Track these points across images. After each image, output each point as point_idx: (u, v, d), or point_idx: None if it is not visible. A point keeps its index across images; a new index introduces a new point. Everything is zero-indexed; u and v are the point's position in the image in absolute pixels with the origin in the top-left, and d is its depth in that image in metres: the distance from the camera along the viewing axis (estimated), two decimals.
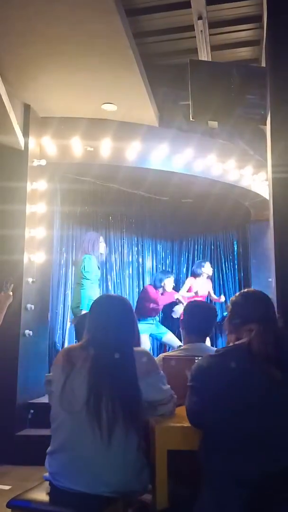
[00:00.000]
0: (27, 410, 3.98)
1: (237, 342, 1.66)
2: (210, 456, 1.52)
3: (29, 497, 1.75)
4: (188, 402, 1.64)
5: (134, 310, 5.50)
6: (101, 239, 5.01)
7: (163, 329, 5.48)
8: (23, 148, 4.16)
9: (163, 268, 6.40)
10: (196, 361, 1.99)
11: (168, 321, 5.69)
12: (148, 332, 5.39)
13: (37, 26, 3.24)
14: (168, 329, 5.49)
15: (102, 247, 4.96)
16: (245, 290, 1.88)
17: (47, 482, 1.78)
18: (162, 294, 5.43)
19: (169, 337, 5.42)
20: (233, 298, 1.82)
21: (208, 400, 1.56)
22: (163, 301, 5.43)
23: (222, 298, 5.91)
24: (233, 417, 1.49)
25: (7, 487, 3.11)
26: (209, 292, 5.84)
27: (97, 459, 1.66)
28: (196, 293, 5.66)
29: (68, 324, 5.46)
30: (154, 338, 5.59)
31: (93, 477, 1.66)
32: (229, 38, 4.14)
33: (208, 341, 4.95)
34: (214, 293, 6.01)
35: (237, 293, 1.84)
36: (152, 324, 5.41)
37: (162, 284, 5.37)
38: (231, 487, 1.44)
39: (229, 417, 1.50)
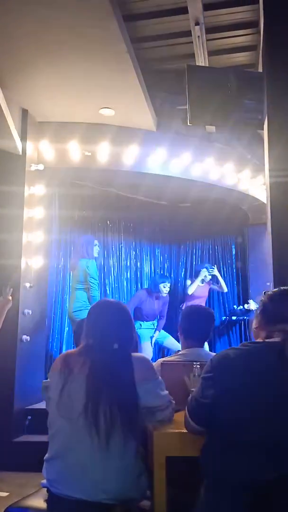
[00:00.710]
0: (24, 416, 3.95)
1: (268, 340, 1.58)
2: (214, 460, 1.48)
3: (27, 504, 1.74)
4: (199, 396, 1.56)
5: (133, 315, 5.48)
6: (96, 242, 4.97)
7: (164, 333, 5.47)
8: (20, 153, 4.16)
9: (161, 272, 6.39)
10: (194, 366, 1.99)
11: (168, 325, 5.67)
12: (149, 337, 5.36)
13: (35, 32, 3.25)
14: (169, 334, 5.48)
15: (95, 251, 4.92)
16: (285, 287, 1.72)
17: (45, 489, 1.77)
18: (157, 298, 5.39)
19: (170, 342, 5.40)
20: (270, 292, 1.71)
21: (226, 395, 1.48)
22: (154, 308, 5.37)
23: (215, 271, 5.79)
24: (250, 417, 1.43)
25: (4, 494, 3.09)
26: (205, 296, 5.80)
27: (95, 465, 1.65)
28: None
29: (67, 329, 5.45)
30: (155, 342, 5.57)
31: (91, 484, 1.64)
32: (226, 43, 4.16)
33: (206, 346, 4.96)
34: (211, 297, 5.96)
35: (275, 289, 1.73)
36: (152, 328, 5.40)
37: (158, 288, 5.33)
38: (236, 492, 1.41)
39: (246, 417, 1.44)
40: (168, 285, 5.44)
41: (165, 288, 5.34)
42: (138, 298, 5.37)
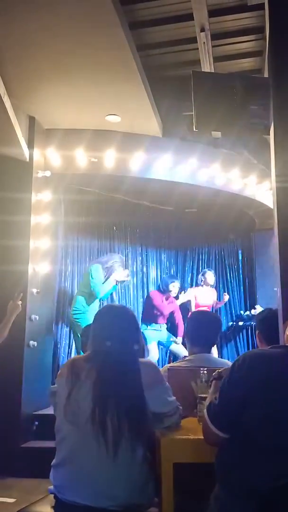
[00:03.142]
0: (31, 422, 3.96)
1: None
2: (234, 466, 1.44)
3: (34, 510, 1.74)
4: (224, 398, 1.49)
5: (141, 316, 5.51)
6: (121, 269, 4.95)
7: (172, 337, 5.46)
8: (28, 160, 4.19)
9: None
10: (201, 372, 1.98)
11: (175, 329, 5.67)
12: (156, 339, 5.38)
13: (42, 40, 3.29)
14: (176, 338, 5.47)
15: (117, 272, 4.88)
16: None
17: (52, 495, 1.76)
18: (167, 298, 5.44)
19: (177, 346, 5.40)
20: None
21: (253, 396, 1.42)
22: (167, 309, 5.42)
23: (226, 297, 5.86)
24: (280, 421, 1.40)
25: (11, 500, 3.08)
26: (214, 301, 5.82)
27: (102, 472, 1.64)
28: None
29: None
30: (161, 346, 5.57)
31: (98, 490, 1.64)
32: (231, 49, 4.18)
33: (215, 351, 4.94)
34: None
35: None
36: (159, 330, 5.40)
37: (168, 288, 5.40)
38: (252, 498, 1.37)
39: (275, 420, 1.40)
40: (178, 284, 5.51)
41: (174, 287, 5.42)
42: (152, 300, 5.41)
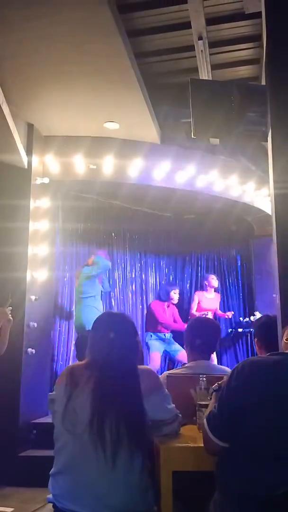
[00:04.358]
0: (30, 431, 3.93)
1: None
2: (235, 473, 1.42)
3: None
4: (223, 408, 1.48)
5: (145, 326, 5.56)
6: (174, 293, 5.40)
7: (177, 346, 5.41)
8: (26, 167, 4.20)
9: None
10: (200, 379, 1.97)
11: (180, 337, 5.66)
12: (160, 349, 5.36)
13: (40, 48, 3.31)
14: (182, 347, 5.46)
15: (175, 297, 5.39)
16: None
17: (50, 504, 1.75)
18: (168, 306, 5.44)
19: (183, 355, 5.37)
20: None
21: (252, 404, 1.41)
22: (168, 318, 5.41)
23: (229, 314, 5.87)
24: (281, 428, 1.39)
25: (9, 510, 3.05)
26: (217, 307, 5.81)
27: (101, 481, 1.63)
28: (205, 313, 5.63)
29: (73, 342, 5.44)
30: (167, 355, 5.55)
31: (97, 499, 1.62)
32: (229, 57, 4.21)
33: (214, 358, 4.92)
34: (220, 309, 5.98)
35: None
36: (164, 339, 5.38)
37: (169, 296, 5.42)
38: (252, 506, 1.36)
39: (277, 427, 1.39)
40: (178, 291, 5.55)
41: (175, 294, 5.46)
42: (153, 312, 5.42)
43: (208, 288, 5.76)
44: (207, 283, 5.77)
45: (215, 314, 5.80)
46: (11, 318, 2.97)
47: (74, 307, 5.42)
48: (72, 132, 4.50)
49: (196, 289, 6.04)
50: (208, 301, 5.72)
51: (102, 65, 3.49)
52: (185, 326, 5.30)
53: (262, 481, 1.38)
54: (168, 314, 5.46)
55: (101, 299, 5.30)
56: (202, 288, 5.88)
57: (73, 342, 5.42)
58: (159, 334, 5.37)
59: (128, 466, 1.64)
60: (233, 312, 5.95)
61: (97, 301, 5.06)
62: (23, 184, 4.20)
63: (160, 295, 5.57)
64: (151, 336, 5.35)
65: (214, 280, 5.76)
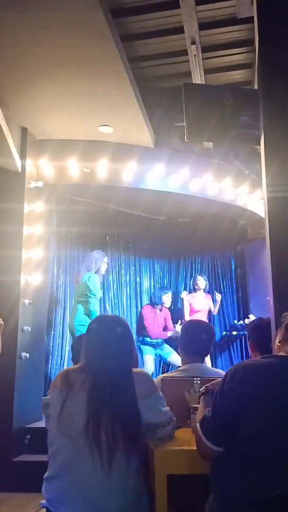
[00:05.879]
0: (23, 435, 3.90)
1: None
2: (230, 477, 1.42)
3: None
4: (216, 412, 1.47)
5: (136, 330, 5.52)
6: (105, 259, 5.05)
7: (168, 349, 5.45)
8: (20, 170, 4.19)
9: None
10: (194, 382, 1.97)
11: (172, 340, 5.65)
12: (152, 352, 5.37)
13: (34, 51, 3.31)
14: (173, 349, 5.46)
15: (103, 268, 5.00)
16: None
17: (44, 509, 1.74)
18: (160, 310, 5.44)
19: (174, 358, 5.37)
20: None
21: (246, 407, 1.40)
22: (158, 324, 5.41)
23: (218, 296, 5.83)
24: (276, 431, 1.38)
25: None
26: (209, 306, 5.81)
27: (96, 485, 1.62)
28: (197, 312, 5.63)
29: (67, 347, 5.41)
30: (158, 358, 5.56)
31: (92, 503, 1.61)
32: (222, 61, 4.24)
33: (208, 361, 4.93)
34: (211, 312, 5.96)
35: None
36: (155, 343, 5.39)
37: (162, 300, 5.43)
38: (245, 510, 1.36)
39: (272, 430, 1.38)
40: (170, 294, 5.56)
41: (168, 298, 5.48)
42: (143, 317, 5.43)
43: (196, 289, 5.76)
44: (194, 285, 5.78)
45: (210, 314, 5.80)
46: (2, 322, 2.94)
47: (68, 311, 5.42)
48: (66, 135, 4.50)
49: (190, 289, 6.01)
50: (198, 302, 5.72)
51: (96, 69, 3.50)
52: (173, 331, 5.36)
53: (257, 484, 1.38)
54: (160, 318, 5.45)
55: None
56: (195, 290, 5.88)
57: (67, 347, 5.41)
58: (149, 339, 5.37)
59: (124, 470, 1.64)
60: (220, 295, 5.89)
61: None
62: (17, 188, 4.19)
63: (153, 299, 5.57)
64: (143, 339, 5.36)
65: (200, 282, 5.75)
